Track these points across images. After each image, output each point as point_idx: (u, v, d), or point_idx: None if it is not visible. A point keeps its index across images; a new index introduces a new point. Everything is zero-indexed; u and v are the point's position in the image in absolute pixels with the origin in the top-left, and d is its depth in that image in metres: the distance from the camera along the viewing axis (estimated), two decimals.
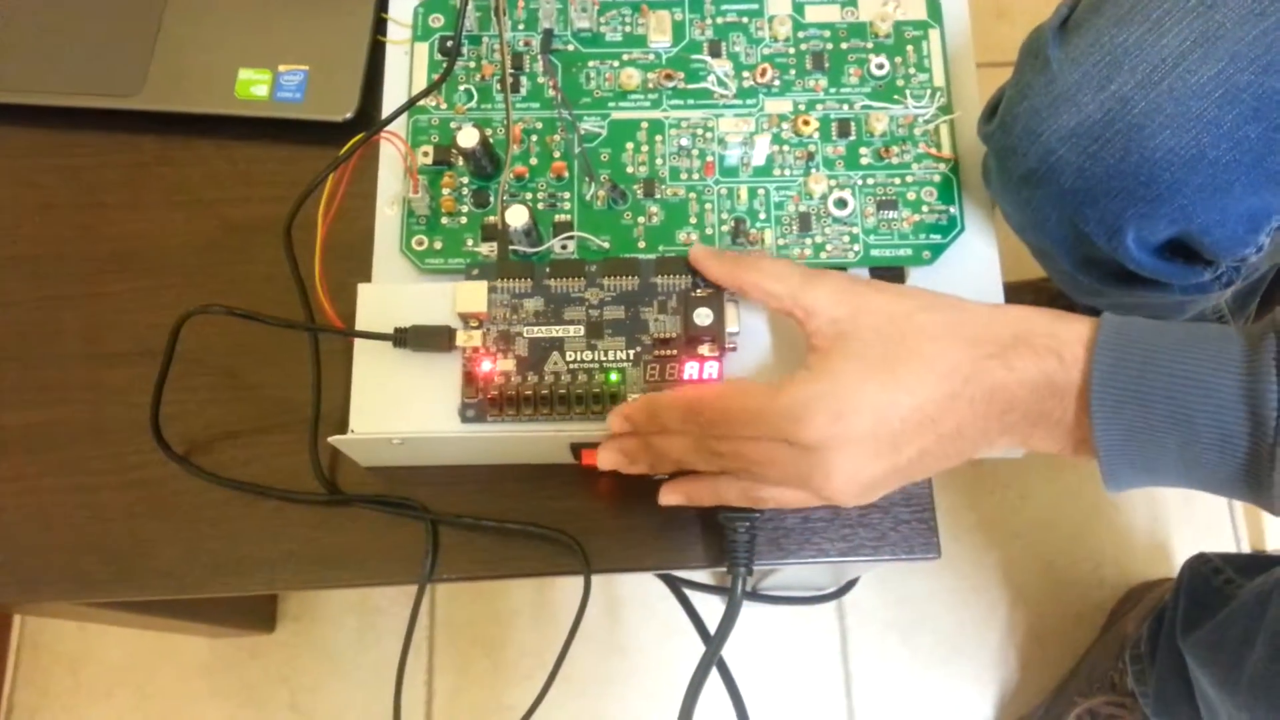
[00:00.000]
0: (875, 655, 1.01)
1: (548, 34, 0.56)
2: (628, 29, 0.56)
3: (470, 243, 0.52)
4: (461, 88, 0.55)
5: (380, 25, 0.58)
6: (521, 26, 0.56)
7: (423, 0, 0.57)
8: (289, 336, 0.53)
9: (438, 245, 0.52)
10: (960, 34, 0.56)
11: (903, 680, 1.01)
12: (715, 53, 0.56)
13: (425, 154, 0.53)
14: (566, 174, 0.53)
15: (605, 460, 0.46)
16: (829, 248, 0.52)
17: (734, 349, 0.47)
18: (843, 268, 0.52)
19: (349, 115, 0.56)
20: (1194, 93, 0.41)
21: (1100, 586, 1.03)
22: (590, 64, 0.55)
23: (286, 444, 0.52)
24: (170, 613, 0.79)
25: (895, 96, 0.55)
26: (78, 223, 0.57)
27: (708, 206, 0.53)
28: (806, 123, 0.54)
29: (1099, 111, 0.43)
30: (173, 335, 0.49)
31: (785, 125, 0.54)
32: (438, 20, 0.56)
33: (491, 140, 0.52)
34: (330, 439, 0.47)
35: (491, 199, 0.53)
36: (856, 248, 0.52)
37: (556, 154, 0.54)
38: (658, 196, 0.53)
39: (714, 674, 0.49)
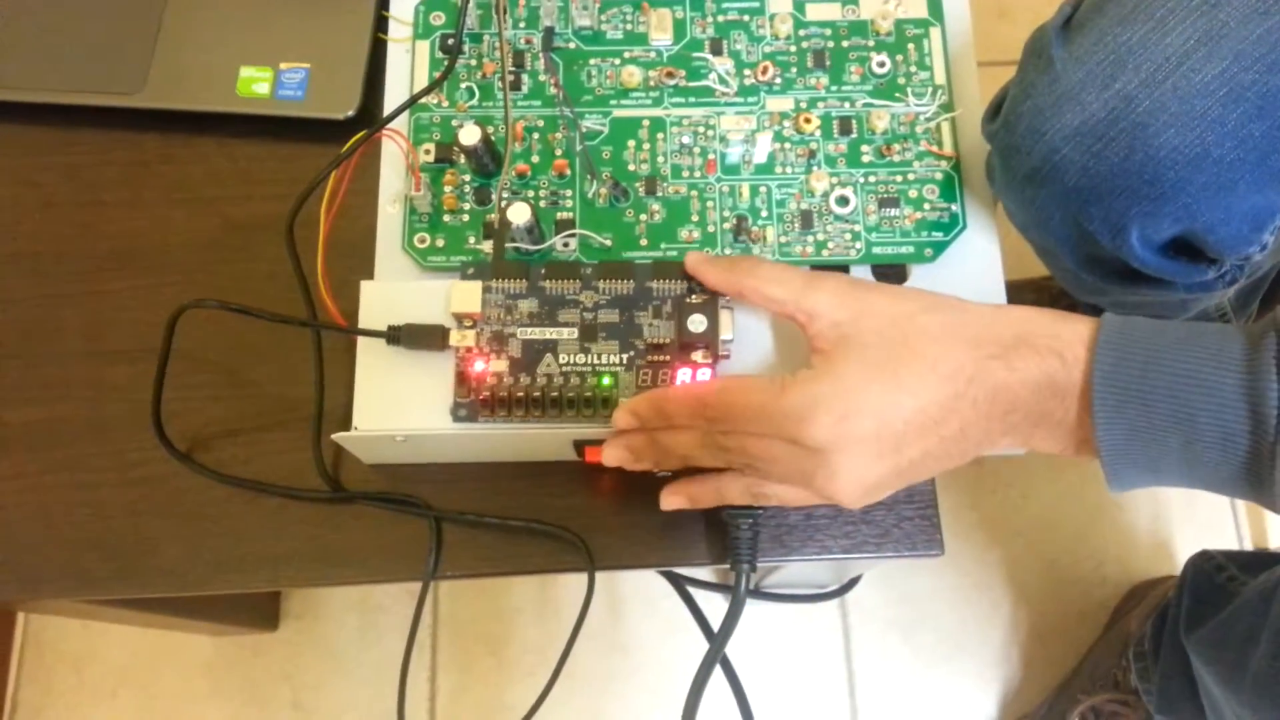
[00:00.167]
0: (878, 653, 1.01)
1: (549, 32, 0.55)
2: (629, 27, 0.56)
3: (472, 240, 0.52)
4: (463, 85, 0.55)
5: (381, 23, 0.58)
6: (523, 24, 0.56)
7: None
8: (290, 334, 0.53)
9: (440, 243, 0.52)
10: (961, 32, 0.56)
11: (906, 678, 1.01)
12: (716, 50, 0.55)
13: (427, 152, 0.53)
14: (568, 172, 0.53)
15: (610, 456, 0.46)
16: (831, 245, 0.52)
17: (727, 356, 0.47)
18: (845, 266, 0.52)
19: (350, 113, 0.56)
20: (1198, 91, 0.41)
21: (1103, 584, 1.03)
22: (591, 62, 0.55)
23: (288, 441, 0.52)
24: (173, 611, 0.79)
25: (896, 94, 0.55)
26: (79, 220, 0.57)
27: (709, 204, 0.53)
28: (808, 120, 0.54)
29: (1103, 110, 0.43)
30: (168, 328, 0.49)
31: (787, 123, 0.54)
32: (439, 18, 0.56)
33: (493, 138, 0.52)
34: (334, 436, 0.47)
35: (493, 196, 0.53)
36: (858, 245, 0.52)
37: (558, 152, 0.54)
38: (659, 194, 0.53)
39: (718, 672, 0.49)
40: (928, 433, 0.40)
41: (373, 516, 0.52)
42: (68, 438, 0.53)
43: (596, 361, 0.47)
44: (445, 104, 0.55)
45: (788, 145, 0.54)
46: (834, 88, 0.55)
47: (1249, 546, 1.05)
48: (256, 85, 0.57)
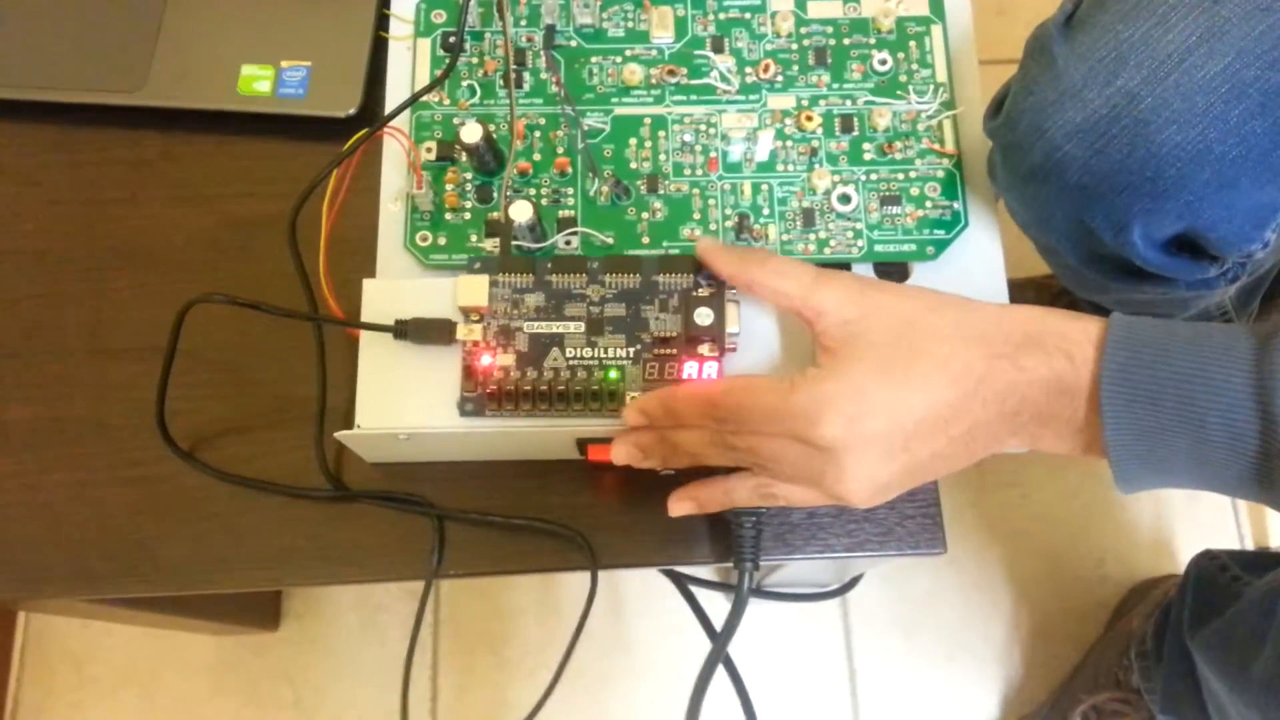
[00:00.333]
0: (879, 652, 1.01)
1: (550, 30, 0.55)
2: (630, 24, 0.56)
3: (474, 238, 0.52)
4: (464, 83, 0.55)
5: (383, 21, 0.58)
6: (524, 22, 0.56)
7: None
8: (292, 332, 0.52)
9: (441, 241, 0.52)
10: (962, 30, 0.56)
11: (907, 677, 1.01)
12: (718, 48, 0.55)
13: (429, 150, 0.53)
14: (570, 170, 0.53)
15: (619, 454, 0.46)
16: (832, 243, 0.52)
17: (734, 349, 0.47)
18: (846, 264, 0.52)
19: (352, 111, 0.56)
20: (1200, 88, 0.41)
21: (1104, 583, 1.03)
22: (593, 60, 0.55)
23: (290, 440, 0.52)
24: (174, 610, 0.79)
25: (898, 92, 0.55)
26: (80, 219, 0.57)
27: (711, 202, 0.53)
28: (809, 118, 0.54)
29: (1105, 107, 0.43)
30: (176, 324, 0.49)
31: (788, 121, 0.54)
32: (440, 16, 0.56)
33: (495, 136, 0.52)
34: (337, 434, 0.47)
35: (495, 194, 0.53)
36: (860, 243, 0.52)
37: (560, 150, 0.54)
38: (661, 192, 0.53)
39: (720, 671, 0.49)
40: (937, 432, 0.40)
41: (375, 515, 0.52)
42: (70, 436, 0.53)
43: (603, 355, 0.47)
44: (447, 102, 0.55)
45: (789, 143, 0.54)
46: (835, 85, 0.55)
47: (1250, 545, 1.05)
48: (258, 83, 0.57)
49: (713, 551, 0.51)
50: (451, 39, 0.55)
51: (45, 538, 0.52)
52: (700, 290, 0.47)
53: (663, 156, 0.54)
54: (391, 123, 0.52)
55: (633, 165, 0.54)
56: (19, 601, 0.53)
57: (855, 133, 0.54)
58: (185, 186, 0.57)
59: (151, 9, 0.59)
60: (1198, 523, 1.05)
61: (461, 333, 0.47)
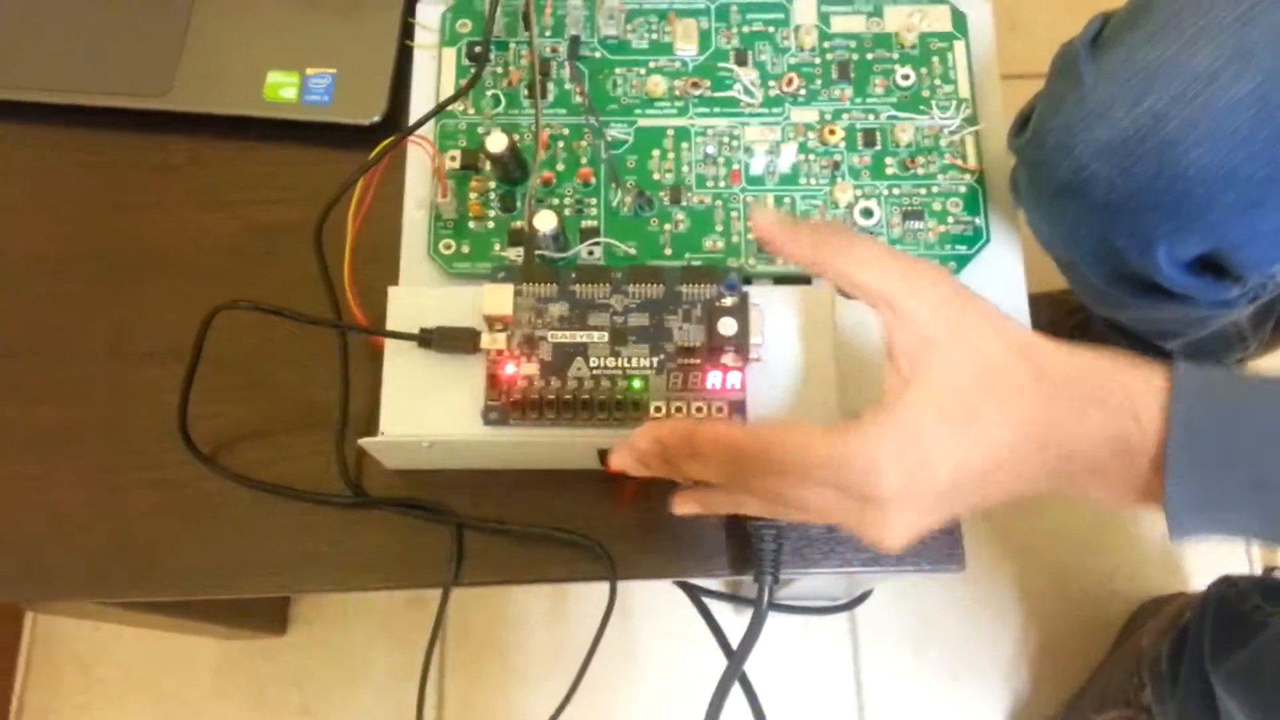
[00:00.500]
0: (887, 667, 1.01)
1: (575, 40, 0.56)
2: (654, 36, 0.56)
3: (497, 247, 0.52)
4: (489, 93, 0.55)
5: (408, 30, 0.58)
6: (549, 33, 0.56)
7: (450, 5, 0.57)
8: (315, 338, 0.53)
9: (465, 249, 0.52)
10: (985, 46, 0.56)
11: (915, 693, 1.00)
12: (741, 61, 0.56)
13: (453, 158, 0.53)
14: (593, 180, 0.53)
15: (618, 460, 0.44)
16: None
17: (758, 360, 0.47)
18: None
19: (376, 119, 0.56)
20: (1227, 109, 0.41)
21: (1113, 599, 1.02)
22: (617, 71, 0.56)
23: (311, 445, 0.52)
24: (183, 613, 0.79)
25: (921, 107, 0.55)
26: (104, 222, 0.57)
27: (734, 214, 0.53)
28: (832, 132, 0.54)
29: (1132, 127, 0.43)
30: (202, 330, 0.49)
31: (811, 134, 0.54)
32: (465, 26, 0.57)
33: (519, 145, 0.52)
34: (360, 441, 0.47)
35: (518, 204, 0.53)
36: None
37: (583, 160, 0.54)
38: (684, 204, 0.53)
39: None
40: (987, 481, 0.38)
41: (394, 522, 0.52)
42: (90, 439, 0.53)
43: (627, 365, 0.47)
44: (471, 111, 0.55)
45: (812, 157, 0.54)
46: (858, 100, 0.55)
47: (1259, 565, 1.05)
48: (283, 90, 0.57)
49: (731, 564, 0.51)
50: (477, 49, 0.55)
51: (65, 539, 0.52)
52: (724, 300, 0.47)
53: (686, 168, 0.54)
54: (417, 131, 0.52)
55: (656, 176, 0.54)
56: (34, 603, 0.53)
57: (878, 147, 0.54)
58: (210, 192, 0.57)
59: (178, 14, 0.59)
60: (1208, 541, 1.04)
61: (486, 341, 0.47)
